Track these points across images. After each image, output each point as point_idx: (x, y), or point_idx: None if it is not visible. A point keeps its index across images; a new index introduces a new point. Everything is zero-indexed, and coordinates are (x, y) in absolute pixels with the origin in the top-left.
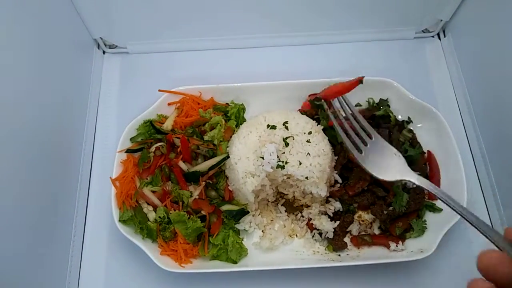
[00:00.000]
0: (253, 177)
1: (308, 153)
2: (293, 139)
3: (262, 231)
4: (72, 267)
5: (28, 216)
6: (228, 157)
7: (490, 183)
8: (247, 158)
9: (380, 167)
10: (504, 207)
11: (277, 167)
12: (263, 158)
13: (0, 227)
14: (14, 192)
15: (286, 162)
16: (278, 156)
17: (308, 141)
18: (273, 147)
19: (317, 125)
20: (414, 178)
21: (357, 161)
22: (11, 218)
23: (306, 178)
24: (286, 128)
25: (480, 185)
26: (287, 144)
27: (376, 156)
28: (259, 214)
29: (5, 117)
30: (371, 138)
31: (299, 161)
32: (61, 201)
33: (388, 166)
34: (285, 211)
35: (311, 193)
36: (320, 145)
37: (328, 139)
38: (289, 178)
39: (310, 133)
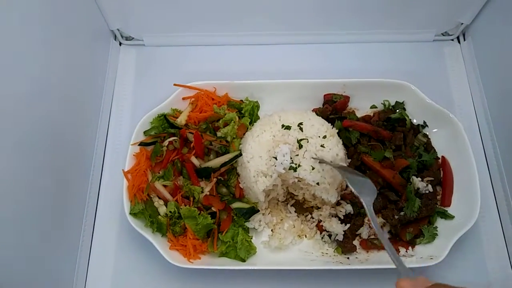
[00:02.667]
0: (265, 177)
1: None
2: (307, 141)
3: (272, 230)
4: (82, 258)
5: (39, 206)
6: (240, 154)
7: (504, 191)
8: (260, 157)
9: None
10: None
11: (289, 169)
12: (276, 158)
13: (12, 218)
14: (26, 182)
15: (299, 165)
16: (291, 158)
17: (322, 146)
18: (286, 148)
19: (332, 128)
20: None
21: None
22: (23, 209)
23: (317, 184)
24: (301, 129)
25: (494, 193)
26: (300, 146)
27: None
28: (269, 213)
29: (20, 106)
30: None
31: (312, 166)
32: (72, 192)
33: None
34: (295, 211)
35: (321, 197)
36: (334, 150)
37: (342, 141)
38: (300, 181)
39: (325, 137)
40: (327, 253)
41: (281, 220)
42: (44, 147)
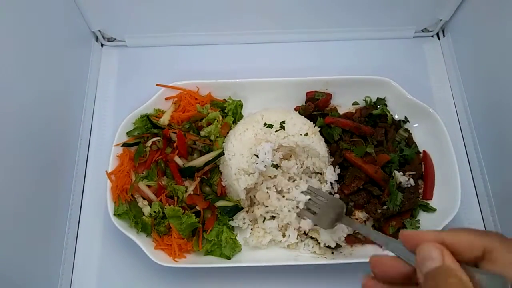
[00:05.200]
0: (248, 175)
1: None
2: (289, 139)
3: (251, 228)
4: (66, 259)
5: (22, 208)
6: (223, 153)
7: (484, 184)
8: (241, 155)
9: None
10: (498, 208)
11: (271, 166)
12: (257, 156)
13: None
14: (8, 184)
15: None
16: (273, 155)
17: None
18: (268, 146)
19: (314, 127)
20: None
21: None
22: (5, 210)
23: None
24: (283, 128)
25: (474, 185)
26: None
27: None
28: (253, 211)
29: (0, 109)
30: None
31: None
32: (56, 194)
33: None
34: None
35: None
36: (316, 148)
37: (324, 138)
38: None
39: (306, 134)
40: (312, 249)
41: (264, 220)
42: (26, 149)
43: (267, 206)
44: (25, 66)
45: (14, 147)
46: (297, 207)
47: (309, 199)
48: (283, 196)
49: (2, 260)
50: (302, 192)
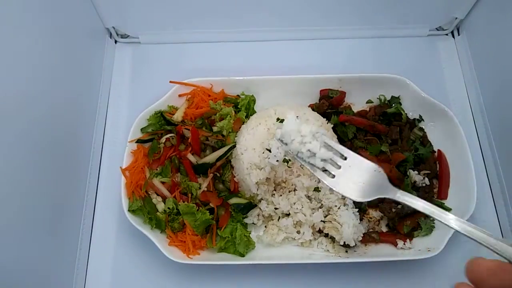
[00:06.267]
0: (259, 170)
1: None
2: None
3: (265, 226)
4: (81, 255)
5: (37, 205)
6: (234, 146)
7: (500, 184)
8: (254, 149)
9: (357, 187)
10: None
11: (283, 161)
12: (269, 150)
13: (10, 217)
14: (24, 181)
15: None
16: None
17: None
18: None
19: (327, 123)
20: (395, 195)
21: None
22: (21, 207)
23: None
24: None
25: (490, 186)
26: None
27: (352, 177)
28: (267, 206)
29: (16, 106)
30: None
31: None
32: (70, 190)
33: (367, 184)
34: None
35: None
36: None
37: (338, 136)
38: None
39: None
40: (325, 247)
41: (278, 219)
42: (41, 146)
43: (276, 208)
44: (39, 63)
45: (28, 143)
46: (310, 163)
47: (329, 158)
48: (294, 190)
49: (17, 257)
50: (320, 147)
